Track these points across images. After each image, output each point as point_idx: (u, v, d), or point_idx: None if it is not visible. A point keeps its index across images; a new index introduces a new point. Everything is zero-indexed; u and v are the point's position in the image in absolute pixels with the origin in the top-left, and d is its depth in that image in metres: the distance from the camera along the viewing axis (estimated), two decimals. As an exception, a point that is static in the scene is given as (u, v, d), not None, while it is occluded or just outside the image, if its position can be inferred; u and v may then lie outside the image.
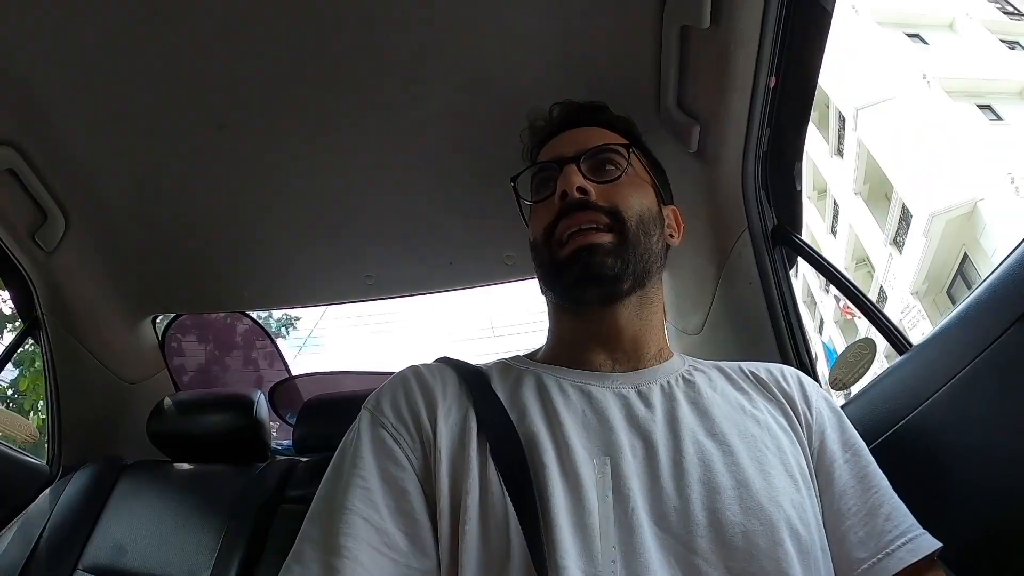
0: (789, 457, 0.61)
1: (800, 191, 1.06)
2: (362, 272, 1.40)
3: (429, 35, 0.96)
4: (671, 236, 0.78)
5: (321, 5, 0.92)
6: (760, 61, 0.90)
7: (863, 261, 13.69)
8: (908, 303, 11.44)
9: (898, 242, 11.72)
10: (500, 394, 0.65)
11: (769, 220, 1.07)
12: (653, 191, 0.76)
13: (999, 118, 10.89)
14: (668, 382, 0.67)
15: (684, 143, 1.02)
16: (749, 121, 0.95)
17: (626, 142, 0.76)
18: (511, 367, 0.71)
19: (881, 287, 12.59)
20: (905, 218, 11.17)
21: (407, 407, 0.63)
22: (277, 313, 7.64)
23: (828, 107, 12.82)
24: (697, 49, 0.92)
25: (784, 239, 1.06)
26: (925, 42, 12.14)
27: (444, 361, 0.71)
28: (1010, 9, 12.44)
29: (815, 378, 1.05)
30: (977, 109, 10.91)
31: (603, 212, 0.69)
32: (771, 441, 0.62)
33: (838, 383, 1.07)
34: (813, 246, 1.05)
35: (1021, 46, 11.93)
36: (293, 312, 7.44)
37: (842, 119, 12.61)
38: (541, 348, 0.77)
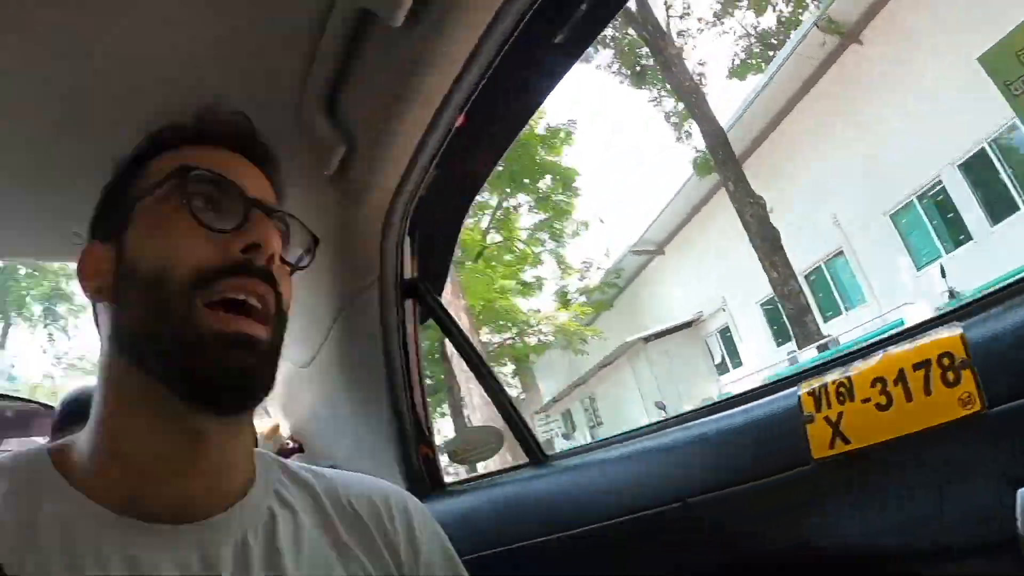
0: None
1: (453, 248, 0.95)
2: None
3: None
4: None
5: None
6: (454, 92, 0.72)
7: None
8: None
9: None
10: None
11: (408, 271, 0.95)
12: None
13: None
14: (244, 538, 0.51)
15: (322, 162, 0.80)
16: (415, 157, 0.78)
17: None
18: (27, 487, 0.48)
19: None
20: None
21: None
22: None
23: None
24: (376, 48, 0.70)
25: (418, 295, 0.97)
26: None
27: None
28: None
29: (431, 441, 0.99)
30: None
31: (274, 297, 0.52)
32: None
33: (455, 456, 1.04)
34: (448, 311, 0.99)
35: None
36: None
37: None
38: (79, 450, 0.51)
